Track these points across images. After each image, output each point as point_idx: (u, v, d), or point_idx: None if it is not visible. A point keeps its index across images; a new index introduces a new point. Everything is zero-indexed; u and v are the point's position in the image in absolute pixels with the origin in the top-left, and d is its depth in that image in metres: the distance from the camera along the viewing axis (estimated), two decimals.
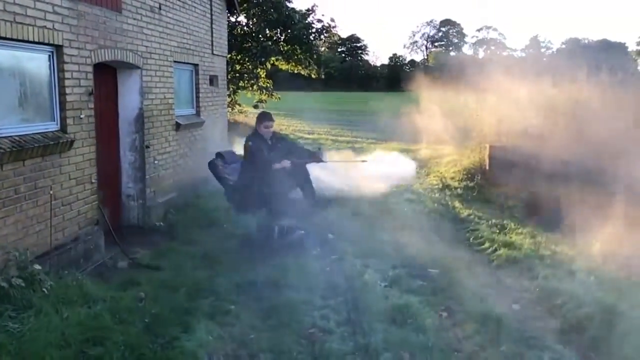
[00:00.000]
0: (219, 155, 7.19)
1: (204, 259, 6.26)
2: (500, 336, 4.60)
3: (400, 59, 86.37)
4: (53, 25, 5.60)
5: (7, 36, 4.99)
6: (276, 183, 6.60)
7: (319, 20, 19.24)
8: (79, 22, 6.05)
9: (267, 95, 19.33)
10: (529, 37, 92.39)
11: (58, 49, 5.77)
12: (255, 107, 19.69)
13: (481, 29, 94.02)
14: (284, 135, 7.16)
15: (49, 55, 5.73)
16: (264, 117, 6.97)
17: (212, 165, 7.06)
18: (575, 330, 4.85)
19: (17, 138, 5.17)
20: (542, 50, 78.47)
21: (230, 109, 16.99)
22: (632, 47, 70.21)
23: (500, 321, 4.85)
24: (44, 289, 4.78)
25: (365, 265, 6.21)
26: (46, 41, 5.53)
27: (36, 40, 5.38)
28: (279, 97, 19.71)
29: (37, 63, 5.63)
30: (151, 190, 7.99)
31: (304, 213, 7.03)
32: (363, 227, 7.80)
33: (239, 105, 20.11)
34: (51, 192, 5.60)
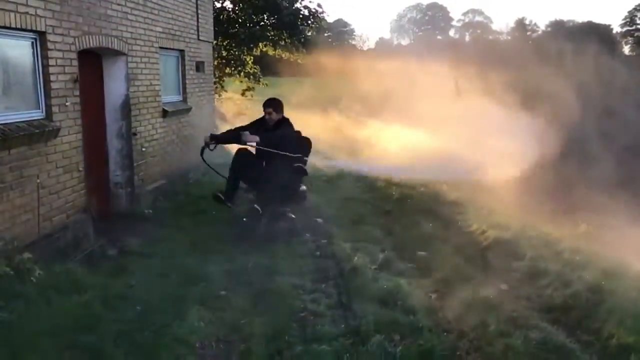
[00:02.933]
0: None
1: (194, 246, 6.27)
2: (489, 316, 4.67)
3: (387, 43, 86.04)
4: (35, 11, 5.51)
5: None
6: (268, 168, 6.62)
7: (306, 7, 19.09)
8: (62, 7, 5.95)
9: (254, 81, 19.19)
10: (514, 20, 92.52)
11: (41, 35, 5.68)
12: (243, 94, 19.54)
13: (467, 12, 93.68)
14: (289, 127, 6.87)
15: (32, 42, 5.64)
16: (264, 104, 6.99)
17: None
18: (562, 309, 4.94)
19: (1, 126, 5.10)
20: (528, 33, 78.50)
21: (217, 96, 16.86)
22: (617, 29, 70.49)
23: (488, 301, 4.93)
24: (33, 278, 4.77)
25: (354, 248, 6.24)
26: (29, 28, 5.44)
27: (18, 26, 5.29)
28: (266, 84, 19.57)
29: (20, 50, 5.55)
30: (139, 178, 7.95)
31: (292, 198, 7.04)
32: (351, 211, 7.85)
33: (226, 91, 19.96)
34: (38, 180, 5.55)
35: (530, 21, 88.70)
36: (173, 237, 6.57)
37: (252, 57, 18.92)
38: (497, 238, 6.77)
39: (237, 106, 21.01)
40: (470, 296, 5.03)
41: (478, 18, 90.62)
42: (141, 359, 3.81)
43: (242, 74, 18.94)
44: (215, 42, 13.48)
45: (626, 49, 64.46)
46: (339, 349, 4.04)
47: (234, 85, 20.07)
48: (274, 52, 19.27)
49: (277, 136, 6.72)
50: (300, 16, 19.01)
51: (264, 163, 6.74)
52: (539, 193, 8.32)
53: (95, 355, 3.83)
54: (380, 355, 3.95)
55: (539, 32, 75.62)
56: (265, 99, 7.13)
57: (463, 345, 4.25)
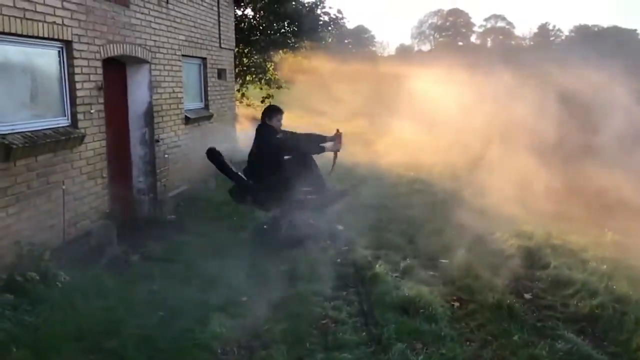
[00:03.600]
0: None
1: (215, 252, 6.29)
2: (512, 326, 4.60)
3: (408, 49, 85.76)
4: (62, 21, 5.63)
5: (18, 32, 5.03)
6: (288, 175, 6.63)
7: (326, 13, 19.16)
8: (87, 17, 6.07)
9: (276, 87, 19.28)
10: (537, 25, 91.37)
11: (67, 44, 5.80)
12: (262, 101, 19.66)
13: (489, 18, 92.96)
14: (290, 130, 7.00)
15: (59, 51, 5.77)
16: (276, 111, 6.94)
17: (212, 153, 6.56)
18: (588, 319, 4.84)
19: (29, 134, 5.21)
20: (552, 38, 77.61)
21: (238, 103, 16.98)
22: None
23: (512, 310, 4.86)
24: (59, 283, 4.86)
25: (375, 256, 6.21)
26: (56, 37, 5.57)
27: (46, 36, 5.41)
28: (288, 88, 19.63)
29: (47, 59, 5.67)
30: (162, 184, 8.03)
31: (313, 205, 7.04)
32: (372, 218, 7.80)
33: (247, 98, 20.10)
34: (63, 187, 5.65)
35: (554, 26, 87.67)
36: (195, 243, 6.61)
37: (272, 64, 19.02)
38: (521, 246, 6.67)
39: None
40: (493, 305, 4.97)
41: (500, 23, 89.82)
42: None
43: (262, 80, 19.06)
44: (236, 49, 13.60)
45: None
46: (360, 357, 4.02)
47: (252, 92, 20.20)
48: (294, 59, 19.35)
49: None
50: (320, 22, 19.08)
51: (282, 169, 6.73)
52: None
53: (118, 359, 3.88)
54: None
55: (563, 37, 74.67)
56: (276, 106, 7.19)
57: (486, 355, 4.19)
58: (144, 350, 4.01)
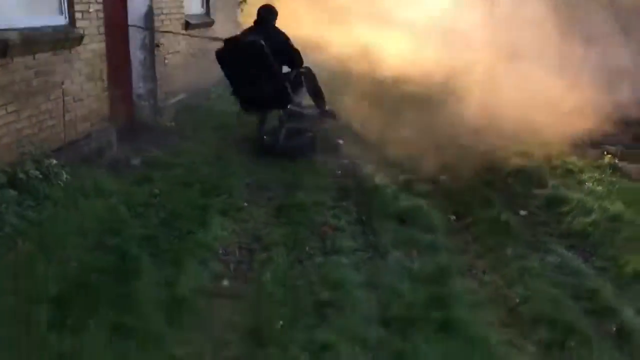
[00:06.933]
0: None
1: (215, 160, 6.30)
2: (507, 239, 4.70)
3: None
4: None
5: None
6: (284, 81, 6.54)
7: None
8: None
9: None
10: None
11: None
12: None
13: None
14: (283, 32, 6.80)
15: None
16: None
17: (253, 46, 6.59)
18: (580, 235, 4.95)
19: (26, 31, 5.05)
20: None
21: (241, 10, 16.42)
22: None
23: (507, 225, 4.95)
24: (60, 182, 4.88)
25: (375, 169, 6.25)
26: None
27: None
28: None
29: None
30: (162, 91, 7.90)
31: (313, 117, 7.01)
32: (372, 135, 7.76)
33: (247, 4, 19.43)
34: (62, 87, 5.55)
35: None
36: (195, 150, 6.60)
37: None
38: (520, 165, 6.69)
39: None
40: (489, 220, 5.06)
41: None
42: (166, 262, 3.93)
43: None
44: None
45: None
46: (357, 261, 4.14)
47: None
48: None
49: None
50: None
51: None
52: None
53: (121, 256, 3.95)
54: (397, 269, 4.04)
55: None
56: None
57: (480, 265, 4.32)
58: (146, 248, 4.10)
